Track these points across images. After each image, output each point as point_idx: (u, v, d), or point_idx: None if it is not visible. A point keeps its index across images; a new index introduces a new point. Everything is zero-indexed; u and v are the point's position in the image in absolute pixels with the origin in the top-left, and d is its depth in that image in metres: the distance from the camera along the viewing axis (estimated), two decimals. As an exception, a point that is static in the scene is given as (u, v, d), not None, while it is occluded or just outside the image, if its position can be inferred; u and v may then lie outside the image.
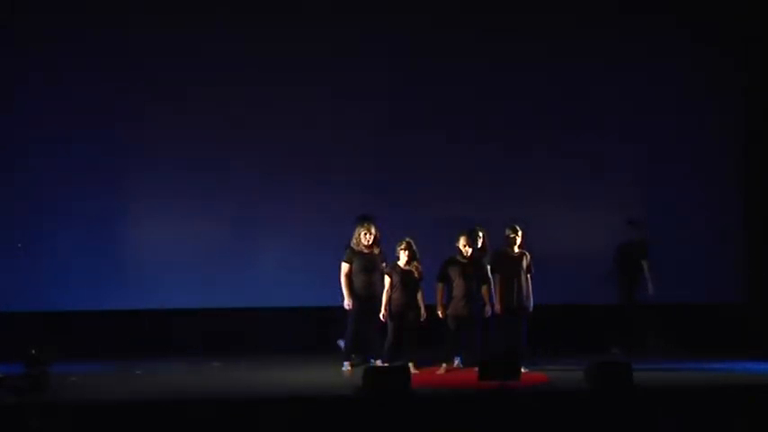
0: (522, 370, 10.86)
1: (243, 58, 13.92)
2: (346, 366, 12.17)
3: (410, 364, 11.55)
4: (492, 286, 12.17)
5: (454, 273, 11.97)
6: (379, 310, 11.92)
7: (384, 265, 12.21)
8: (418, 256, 11.96)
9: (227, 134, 13.86)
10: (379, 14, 14.18)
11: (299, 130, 13.94)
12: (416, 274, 11.89)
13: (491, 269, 12.24)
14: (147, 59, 13.78)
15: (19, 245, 13.29)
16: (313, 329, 13.94)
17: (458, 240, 12.02)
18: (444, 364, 11.99)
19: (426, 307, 12.02)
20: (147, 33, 13.77)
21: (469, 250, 12.00)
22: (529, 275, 12.22)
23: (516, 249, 12.19)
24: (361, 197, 13.67)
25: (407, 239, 12.08)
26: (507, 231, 12.20)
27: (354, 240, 12.25)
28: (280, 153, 13.95)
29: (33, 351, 10.35)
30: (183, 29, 13.83)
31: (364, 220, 12.36)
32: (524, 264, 12.19)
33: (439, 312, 12.01)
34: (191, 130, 13.82)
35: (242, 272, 13.81)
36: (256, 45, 13.95)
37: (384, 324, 11.99)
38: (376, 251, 12.29)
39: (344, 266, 12.26)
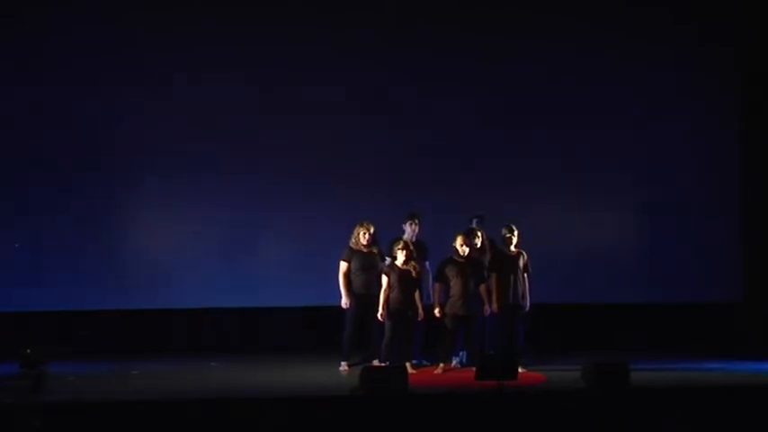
0: (520, 370, 10.88)
1: (245, 60, 13.95)
2: (343, 366, 12.16)
3: (407, 364, 11.56)
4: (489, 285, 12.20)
5: (451, 273, 11.99)
6: (377, 310, 11.92)
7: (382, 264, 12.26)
8: (415, 255, 11.99)
9: (228, 135, 13.88)
10: (377, 14, 14.25)
11: (299, 130, 13.95)
12: (414, 274, 11.89)
13: (488, 268, 12.26)
14: (149, 59, 13.80)
15: (16, 245, 13.31)
16: (313, 329, 13.97)
17: (455, 240, 12.05)
18: (442, 364, 12.01)
19: (424, 307, 12.05)
20: (147, 33, 13.79)
21: (467, 250, 12.02)
22: (526, 275, 12.23)
23: (513, 249, 12.20)
24: (361, 198, 13.74)
25: (405, 239, 12.14)
26: (503, 231, 12.20)
27: (353, 240, 12.27)
28: (280, 153, 13.95)
29: (28, 351, 10.36)
30: (182, 28, 13.86)
31: (413, 216, 12.49)
32: (521, 263, 12.20)
33: (437, 312, 12.01)
34: (191, 131, 13.83)
35: (242, 272, 13.82)
36: (258, 46, 13.98)
37: (382, 323, 11.99)
38: (374, 250, 12.32)
39: (343, 265, 12.28)
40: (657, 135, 14.50)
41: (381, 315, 11.89)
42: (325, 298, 12.70)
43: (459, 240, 12.03)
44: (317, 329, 13.86)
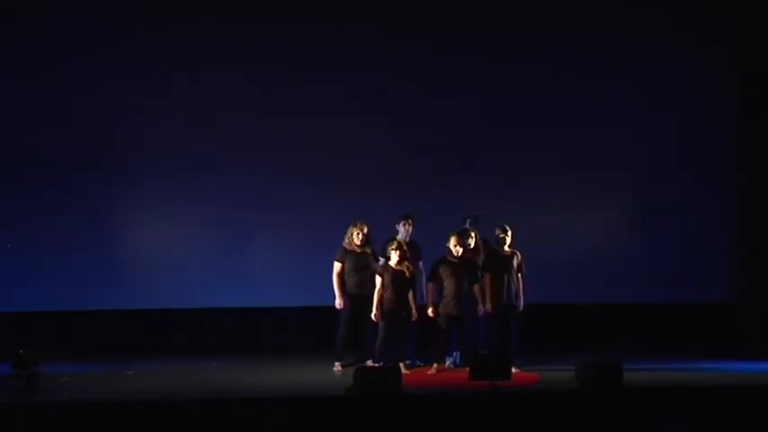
0: (514, 370, 10.91)
1: (245, 60, 13.97)
2: (337, 366, 12.19)
3: (401, 365, 11.56)
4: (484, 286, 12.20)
5: (445, 273, 11.96)
6: (371, 310, 11.92)
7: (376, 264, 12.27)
8: (409, 255, 11.99)
9: (228, 135, 13.91)
10: (377, 13, 14.26)
11: (299, 130, 13.97)
12: (408, 274, 11.89)
13: (482, 268, 12.24)
14: (149, 59, 13.83)
15: (8, 245, 13.35)
16: (313, 329, 13.96)
17: (448, 240, 12.04)
18: (435, 365, 12.00)
19: (417, 307, 12.04)
20: (147, 33, 13.82)
21: (460, 250, 12.00)
22: (520, 275, 12.22)
23: (506, 248, 12.20)
24: (361, 198, 13.76)
25: (399, 239, 12.15)
26: (497, 231, 12.20)
27: (347, 240, 12.28)
28: (280, 153, 13.97)
29: (21, 351, 10.40)
30: (182, 28, 13.90)
31: (407, 216, 12.50)
32: (515, 263, 12.19)
33: (430, 312, 12.01)
34: (191, 131, 13.86)
35: (242, 272, 13.85)
36: (258, 46, 14.00)
37: (375, 324, 11.97)
38: (368, 251, 12.33)
39: (337, 266, 12.30)
40: (657, 135, 14.47)
41: (375, 315, 11.88)
42: (325, 298, 12.62)
43: (452, 241, 12.01)
44: (317, 329, 13.78)
